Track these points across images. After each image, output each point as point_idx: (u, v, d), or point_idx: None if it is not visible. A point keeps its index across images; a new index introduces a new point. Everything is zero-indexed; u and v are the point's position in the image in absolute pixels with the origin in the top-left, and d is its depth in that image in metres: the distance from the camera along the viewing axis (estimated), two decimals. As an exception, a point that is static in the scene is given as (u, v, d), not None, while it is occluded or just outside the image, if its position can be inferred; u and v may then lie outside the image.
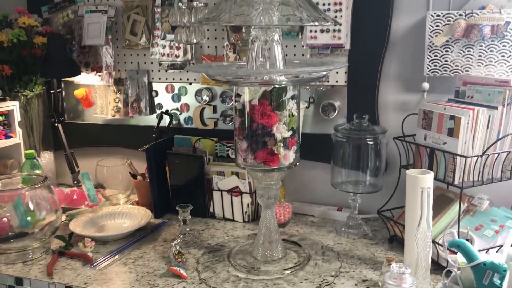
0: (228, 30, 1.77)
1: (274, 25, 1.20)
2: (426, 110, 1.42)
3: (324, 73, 1.26)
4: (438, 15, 1.49)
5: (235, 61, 1.75)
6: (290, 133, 1.30)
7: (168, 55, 1.86)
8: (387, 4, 1.59)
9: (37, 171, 1.67)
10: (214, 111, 1.89)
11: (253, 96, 1.28)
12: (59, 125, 1.98)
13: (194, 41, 1.72)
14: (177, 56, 1.85)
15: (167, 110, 1.94)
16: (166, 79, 1.93)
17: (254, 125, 1.29)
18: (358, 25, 1.63)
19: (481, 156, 1.30)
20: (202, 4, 1.69)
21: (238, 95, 1.31)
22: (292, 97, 1.30)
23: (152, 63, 1.93)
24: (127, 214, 1.72)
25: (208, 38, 1.83)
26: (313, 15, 1.19)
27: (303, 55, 1.71)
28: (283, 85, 1.25)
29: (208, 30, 1.82)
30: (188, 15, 1.69)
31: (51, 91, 1.98)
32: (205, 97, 1.88)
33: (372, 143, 1.55)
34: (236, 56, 1.78)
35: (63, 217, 1.63)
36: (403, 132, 1.52)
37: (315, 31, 1.63)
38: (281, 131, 1.29)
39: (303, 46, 1.68)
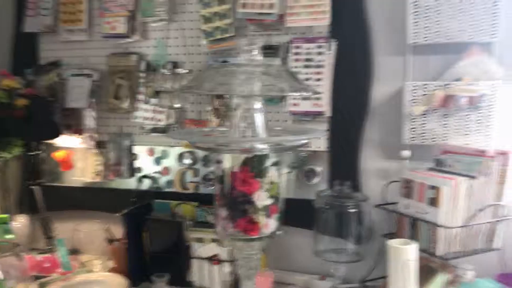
0: (212, 96, 1.79)
1: (255, 95, 1.22)
2: (407, 179, 1.42)
3: (305, 141, 1.27)
4: (416, 85, 1.54)
5: (217, 126, 1.76)
6: (271, 200, 1.29)
7: (151, 118, 1.86)
8: (367, 73, 1.64)
9: (9, 237, 1.62)
10: (196, 174, 1.88)
11: (234, 163, 1.27)
12: (36, 188, 1.94)
13: (177, 106, 1.74)
14: (160, 120, 1.85)
15: (147, 174, 1.92)
16: (148, 142, 1.93)
17: (234, 192, 1.27)
18: (339, 93, 1.66)
19: (463, 226, 1.29)
20: (186, 70, 1.72)
21: (219, 162, 1.30)
22: (274, 164, 1.30)
23: (134, 126, 1.94)
24: (102, 282, 1.65)
25: (192, 103, 1.84)
26: (294, 86, 1.21)
27: (286, 120, 1.73)
28: (264, 153, 1.25)
29: (193, 95, 1.84)
30: (171, 81, 1.71)
31: (30, 153, 1.96)
32: (187, 161, 1.87)
33: (354, 210, 1.54)
34: (219, 121, 1.79)
35: (35, 286, 1.55)
36: (385, 200, 1.52)
37: (297, 99, 1.66)
38: (262, 198, 1.27)
39: (286, 112, 1.71)
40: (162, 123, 1.85)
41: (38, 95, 1.93)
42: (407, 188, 1.41)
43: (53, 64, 2.01)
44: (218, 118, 1.79)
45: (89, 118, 1.95)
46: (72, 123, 1.98)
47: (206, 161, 1.86)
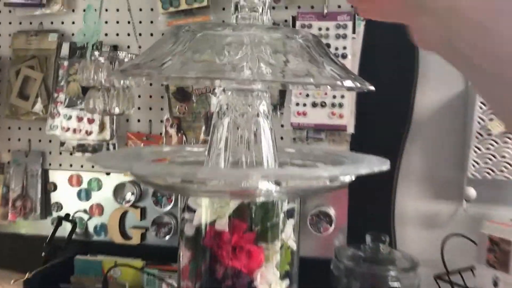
0: (170, 96, 1.20)
1: (268, 81, 0.64)
2: (495, 237, 0.89)
3: (349, 178, 0.70)
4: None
5: (181, 145, 1.17)
6: (285, 283, 0.72)
7: (75, 130, 1.24)
8: (410, 69, 1.11)
9: None
10: (143, 216, 1.27)
11: (218, 215, 0.70)
12: None
13: (116, 110, 1.13)
14: (89, 133, 1.24)
15: (68, 214, 1.29)
16: (71, 166, 1.31)
17: (218, 268, 0.69)
18: (367, 99, 1.12)
19: None
20: (133, 55, 1.13)
21: (189, 209, 0.72)
22: (289, 215, 0.73)
23: (50, 141, 1.31)
24: None
25: (139, 108, 1.25)
26: (336, 72, 0.65)
27: (282, 138, 1.17)
28: (274, 198, 0.68)
29: (139, 96, 1.24)
30: (107, 73, 1.11)
31: None
32: (129, 195, 1.26)
33: (396, 284, 0.99)
34: (180, 136, 1.20)
35: None
36: (445, 265, 0.98)
37: (304, 105, 1.10)
38: (269, 280, 0.70)
39: (282, 126, 1.14)
40: (92, 138, 1.24)
41: None
42: (496, 252, 0.87)
43: None
44: (179, 131, 1.20)
45: (-20, 128, 1.31)
46: (-48, 134, 1.33)
47: (158, 196, 1.26)
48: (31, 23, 1.31)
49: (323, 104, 1.09)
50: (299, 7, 1.15)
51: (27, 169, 1.31)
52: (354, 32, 1.11)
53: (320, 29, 1.11)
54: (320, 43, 0.69)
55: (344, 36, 1.10)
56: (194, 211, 0.71)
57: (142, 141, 1.25)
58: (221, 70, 0.60)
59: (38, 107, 1.27)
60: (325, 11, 1.11)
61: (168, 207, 1.24)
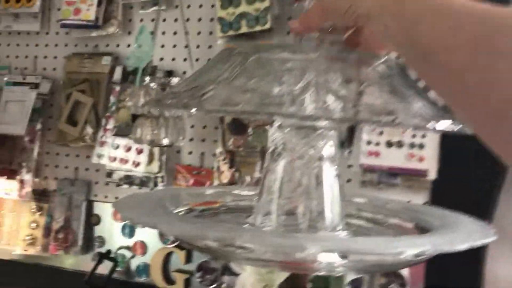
0: (225, 128, 1.09)
1: (337, 119, 0.50)
2: None
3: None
4: None
5: (229, 186, 1.04)
6: None
7: (122, 160, 1.16)
8: None
9: None
10: (188, 259, 1.15)
11: (266, 283, 0.56)
12: None
13: (165, 141, 1.03)
14: (137, 165, 1.15)
15: (109, 251, 1.20)
16: (116, 198, 1.21)
17: None
18: (454, 141, 0.95)
19: None
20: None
21: (230, 272, 0.59)
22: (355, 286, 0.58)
23: (97, 171, 1.24)
24: None
25: (191, 139, 1.15)
26: (426, 109, 0.50)
27: (349, 181, 1.01)
28: (337, 273, 0.54)
29: (192, 126, 1.14)
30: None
31: None
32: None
33: None
34: (233, 172, 1.08)
35: None
36: None
37: (377, 144, 0.95)
38: None
39: (349, 167, 0.99)
40: (140, 170, 1.15)
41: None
42: None
43: (-15, 66, 1.34)
44: (232, 167, 1.08)
45: (28, 153, 1.26)
46: (1, 159, 1.29)
47: (207, 238, 1.13)
48: (86, 45, 1.26)
49: (400, 144, 0.93)
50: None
51: (72, 199, 1.24)
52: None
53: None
54: (405, 71, 0.54)
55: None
56: (237, 275, 0.57)
57: (192, 175, 1.14)
58: (276, 103, 0.47)
59: (87, 134, 1.20)
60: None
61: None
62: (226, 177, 1.09)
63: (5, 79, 1.29)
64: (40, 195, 1.27)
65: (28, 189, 1.26)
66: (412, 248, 0.41)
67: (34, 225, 1.26)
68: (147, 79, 1.02)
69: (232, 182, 1.07)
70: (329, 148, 0.58)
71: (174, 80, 1.04)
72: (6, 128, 1.24)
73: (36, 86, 1.26)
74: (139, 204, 0.57)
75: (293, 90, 0.47)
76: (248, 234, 0.41)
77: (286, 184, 0.58)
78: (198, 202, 0.70)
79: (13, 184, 1.27)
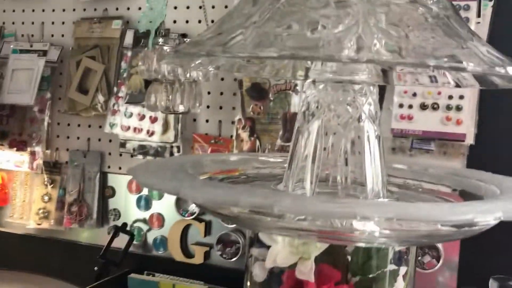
0: (244, 93, 1.03)
1: (389, 62, 0.44)
2: None
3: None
4: None
5: (253, 152, 0.98)
6: None
7: (135, 130, 1.10)
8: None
9: None
10: (207, 232, 1.11)
11: (301, 256, 0.51)
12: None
13: (181, 108, 0.97)
14: (151, 134, 1.09)
15: (125, 224, 1.16)
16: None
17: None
18: (493, 102, 0.88)
19: None
20: (200, 44, 0.97)
21: (260, 244, 0.53)
22: (399, 260, 0.52)
23: (110, 141, 1.19)
24: None
25: (208, 107, 1.09)
26: (496, 53, 0.43)
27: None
28: (379, 245, 0.48)
29: (209, 93, 1.08)
30: (174, 64, 0.95)
31: None
32: (193, 207, 1.11)
33: None
34: (253, 140, 1.02)
35: None
36: None
37: (410, 106, 0.88)
38: None
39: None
40: (154, 139, 1.09)
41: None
42: None
43: (-10, 33, 1.28)
44: (252, 135, 1.02)
45: (38, 123, 1.21)
46: (10, 129, 1.24)
47: (226, 209, 1.08)
48: (95, 10, 1.19)
49: (435, 106, 0.87)
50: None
51: (84, 171, 1.20)
52: (479, 15, 0.87)
53: (433, 11, 0.88)
54: (458, 12, 0.48)
55: (467, 20, 0.86)
56: (267, 247, 0.52)
57: (209, 144, 1.09)
58: (312, 46, 0.41)
59: (98, 102, 1.14)
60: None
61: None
62: (246, 145, 1.03)
63: (12, 46, 1.23)
64: (51, 167, 1.23)
65: (39, 161, 1.22)
66: (483, 214, 0.35)
67: (46, 198, 1.22)
68: (160, 41, 0.96)
69: (252, 151, 1.02)
70: (369, 106, 0.52)
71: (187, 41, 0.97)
72: (14, 97, 1.19)
73: (44, 53, 1.20)
74: (158, 170, 0.52)
75: (331, 33, 0.40)
76: (287, 199, 0.35)
77: (321, 149, 0.52)
78: (221, 170, 0.64)
79: (24, 156, 1.23)
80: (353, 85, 0.51)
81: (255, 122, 1.02)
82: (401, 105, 0.88)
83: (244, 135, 1.03)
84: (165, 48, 0.98)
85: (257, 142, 1.02)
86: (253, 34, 0.41)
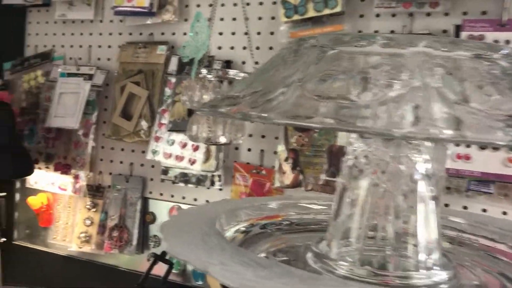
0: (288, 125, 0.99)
1: (449, 140, 0.39)
2: None
3: None
4: None
5: (293, 196, 0.94)
6: None
7: (177, 157, 1.09)
8: None
9: None
10: (247, 265, 1.07)
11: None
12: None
13: (222, 140, 0.95)
14: (193, 162, 1.07)
15: (164, 253, 1.14)
16: (172, 196, 1.16)
17: None
18: None
19: None
20: (245, 75, 0.94)
21: None
22: None
23: (152, 167, 1.18)
24: None
25: (250, 136, 1.06)
26: None
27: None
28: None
29: (251, 121, 1.05)
30: (215, 93, 0.93)
31: (-11, 196, 1.26)
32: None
33: None
34: (297, 173, 0.98)
35: None
36: None
37: (468, 145, 0.82)
38: None
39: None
40: (196, 167, 1.07)
41: (7, 105, 1.22)
42: None
43: (40, 57, 1.31)
44: (295, 168, 0.98)
45: (82, 147, 1.22)
46: (55, 152, 1.26)
47: (267, 243, 1.04)
48: (141, 34, 1.19)
49: (495, 147, 0.80)
50: (465, 13, 0.86)
51: (126, 196, 1.19)
52: (547, 47, 0.80)
53: (496, 42, 0.81)
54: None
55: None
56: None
57: (251, 174, 1.06)
58: (361, 115, 0.37)
59: (142, 128, 1.14)
60: (504, 17, 0.82)
61: (278, 259, 1.02)
62: (288, 178, 0.99)
63: (60, 70, 1.25)
64: (94, 191, 1.23)
65: (82, 184, 1.22)
66: None
67: (88, 222, 1.23)
68: (204, 71, 0.94)
69: (295, 184, 0.98)
70: (425, 163, 0.47)
71: (231, 72, 0.94)
72: (60, 121, 1.21)
73: (90, 77, 1.21)
74: (188, 230, 0.49)
75: (383, 96, 0.36)
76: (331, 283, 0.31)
77: (369, 207, 0.48)
78: (259, 217, 0.61)
79: (68, 179, 1.24)
80: (407, 141, 0.47)
81: (298, 154, 0.98)
82: (458, 144, 0.82)
83: (287, 167, 0.99)
84: (208, 77, 0.95)
85: (300, 176, 0.98)
86: (294, 95, 0.38)
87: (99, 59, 1.25)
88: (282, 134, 1.00)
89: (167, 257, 1.14)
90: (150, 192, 1.19)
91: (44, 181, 1.27)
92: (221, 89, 0.91)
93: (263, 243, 0.56)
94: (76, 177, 1.22)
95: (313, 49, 0.42)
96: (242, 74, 0.93)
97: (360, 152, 0.49)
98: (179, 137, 1.09)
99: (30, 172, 1.19)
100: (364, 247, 0.47)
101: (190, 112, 1.03)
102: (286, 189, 1.00)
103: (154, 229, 1.19)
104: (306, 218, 0.62)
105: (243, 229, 0.57)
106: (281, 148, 1.00)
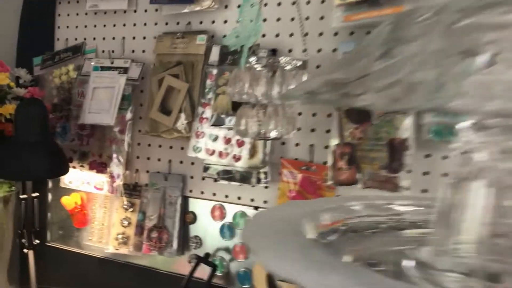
0: (342, 115, 0.92)
1: None
2: None
3: None
4: None
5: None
6: None
7: (220, 154, 1.03)
8: None
9: None
10: (297, 267, 1.00)
11: None
12: (30, 252, 1.19)
13: (273, 134, 0.88)
14: (237, 159, 1.01)
15: (208, 254, 1.08)
16: (214, 195, 1.09)
17: None
18: None
19: None
20: (299, 62, 0.87)
21: None
22: None
23: (192, 164, 1.12)
24: None
25: (299, 129, 0.99)
26: None
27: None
28: None
29: (300, 114, 0.98)
30: (267, 84, 0.86)
31: (22, 197, 1.21)
32: (282, 239, 1.00)
33: None
34: (353, 169, 0.91)
35: None
36: None
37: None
38: None
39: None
40: (239, 165, 1.01)
41: (37, 101, 1.17)
42: None
43: (72, 50, 1.26)
44: (351, 164, 0.91)
45: (118, 144, 1.16)
46: (90, 149, 1.21)
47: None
48: (178, 23, 1.13)
49: None
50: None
51: (165, 194, 1.13)
52: None
53: None
54: None
55: None
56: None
57: (300, 170, 0.99)
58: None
59: (181, 124, 1.07)
60: None
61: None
62: (343, 174, 0.92)
63: (93, 63, 1.19)
64: (131, 190, 1.18)
65: (119, 183, 1.17)
66: None
67: (126, 222, 1.17)
68: (253, 59, 0.87)
69: (351, 181, 0.91)
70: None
71: (284, 60, 0.87)
72: (95, 117, 1.15)
73: (125, 70, 1.15)
74: (279, 238, 0.42)
75: None
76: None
77: (488, 209, 0.41)
78: (341, 219, 0.55)
79: (104, 178, 1.18)
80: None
81: (354, 148, 0.91)
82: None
83: (342, 163, 0.92)
84: (256, 67, 0.89)
85: (357, 172, 0.90)
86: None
87: (133, 51, 1.19)
88: (336, 126, 0.93)
89: (210, 258, 1.08)
90: (191, 191, 1.13)
91: (79, 180, 1.22)
92: (274, 79, 0.84)
93: (350, 248, 0.49)
94: (112, 176, 1.16)
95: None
96: (294, 62, 0.86)
97: (474, 145, 0.42)
98: (222, 132, 1.03)
99: (65, 171, 1.14)
100: (480, 257, 0.41)
101: (236, 106, 0.97)
102: (340, 187, 0.94)
103: (194, 230, 1.13)
104: (394, 219, 0.55)
105: (327, 232, 0.51)
106: (334, 142, 0.93)
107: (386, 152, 0.88)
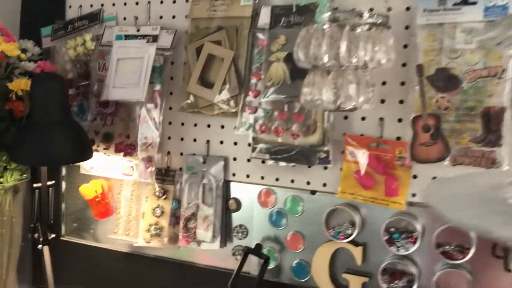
0: (425, 81, 0.80)
1: None
2: None
3: None
4: None
5: (435, 163, 0.75)
6: None
7: (276, 131, 0.90)
8: None
9: None
10: (365, 258, 0.90)
11: None
12: (45, 248, 1.05)
13: (351, 103, 0.75)
14: (295, 136, 0.88)
15: (259, 245, 0.96)
16: (262, 178, 0.97)
17: None
18: None
19: None
20: (379, 16, 0.74)
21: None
22: None
23: (235, 144, 0.98)
24: None
25: (382, 101, 0.86)
26: None
27: None
28: None
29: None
30: (346, 45, 0.73)
31: (36, 185, 1.07)
32: (347, 226, 0.89)
33: None
34: (440, 144, 0.79)
35: None
36: None
37: None
38: None
39: None
40: (297, 143, 0.88)
41: (46, 74, 1.02)
42: None
43: (88, 18, 1.10)
44: (436, 138, 0.79)
45: (148, 124, 1.02)
46: (115, 131, 1.06)
47: (395, 232, 0.86)
48: (219, -15, 0.99)
49: None
50: None
51: (203, 178, 1.00)
52: None
53: None
54: None
55: None
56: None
57: (368, 148, 0.87)
58: None
59: (225, 97, 0.94)
60: None
61: (411, 249, 0.84)
62: (427, 151, 0.80)
63: (116, 32, 1.04)
64: (163, 175, 1.04)
65: (150, 168, 1.03)
66: None
67: (158, 211, 1.04)
68: (327, 15, 0.74)
69: (438, 158, 0.79)
70: None
71: (365, 17, 0.75)
72: (121, 93, 1.01)
73: (154, 38, 1.01)
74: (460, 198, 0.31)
75: None
76: None
77: None
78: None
79: (132, 163, 1.04)
80: None
81: (440, 120, 0.79)
82: None
83: (425, 137, 0.80)
84: (324, 27, 0.75)
85: (444, 147, 0.79)
86: None
87: (161, 17, 1.05)
88: (413, 94, 0.81)
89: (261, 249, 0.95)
90: (234, 174, 0.99)
91: (103, 165, 1.07)
92: (357, 39, 0.71)
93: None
94: (143, 160, 1.02)
95: None
96: (380, 20, 0.73)
97: None
98: (277, 106, 0.90)
99: (90, 155, 1.00)
100: None
101: (296, 74, 0.84)
102: (419, 165, 0.82)
103: (238, 218, 1.00)
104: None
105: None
106: (413, 113, 0.81)
107: (479, 123, 0.77)
